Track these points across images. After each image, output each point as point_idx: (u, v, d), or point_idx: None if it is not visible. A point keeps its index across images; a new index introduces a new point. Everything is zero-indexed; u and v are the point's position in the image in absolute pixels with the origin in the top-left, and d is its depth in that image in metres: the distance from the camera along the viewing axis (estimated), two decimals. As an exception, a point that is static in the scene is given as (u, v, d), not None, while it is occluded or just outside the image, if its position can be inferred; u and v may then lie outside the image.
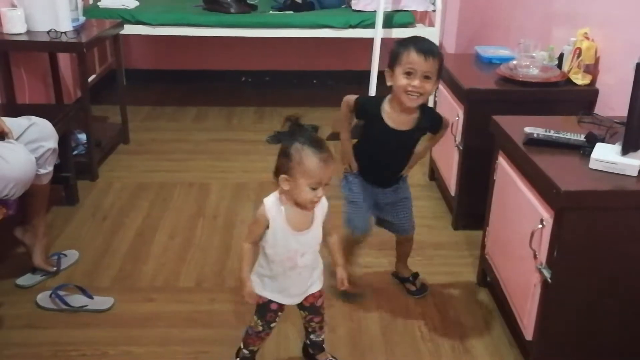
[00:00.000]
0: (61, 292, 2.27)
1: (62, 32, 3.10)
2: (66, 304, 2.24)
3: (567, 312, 1.83)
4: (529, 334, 1.94)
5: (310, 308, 1.90)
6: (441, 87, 3.05)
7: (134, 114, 4.03)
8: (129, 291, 2.37)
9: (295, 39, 4.15)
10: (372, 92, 3.85)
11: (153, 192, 3.15)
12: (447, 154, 2.91)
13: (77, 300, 2.26)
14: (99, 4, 4.05)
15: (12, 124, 2.23)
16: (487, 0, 4.05)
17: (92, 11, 3.86)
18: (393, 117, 2.06)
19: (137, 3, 4.08)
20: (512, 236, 2.07)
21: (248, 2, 4.11)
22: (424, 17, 4.45)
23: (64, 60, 3.88)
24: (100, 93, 4.29)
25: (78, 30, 3.27)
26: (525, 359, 2.04)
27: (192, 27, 3.97)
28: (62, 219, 2.86)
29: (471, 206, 2.72)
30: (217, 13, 4.00)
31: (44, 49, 3.38)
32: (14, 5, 3.14)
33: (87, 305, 2.25)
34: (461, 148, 2.70)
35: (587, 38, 2.53)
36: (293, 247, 1.74)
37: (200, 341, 2.12)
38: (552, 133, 1.96)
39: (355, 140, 2.21)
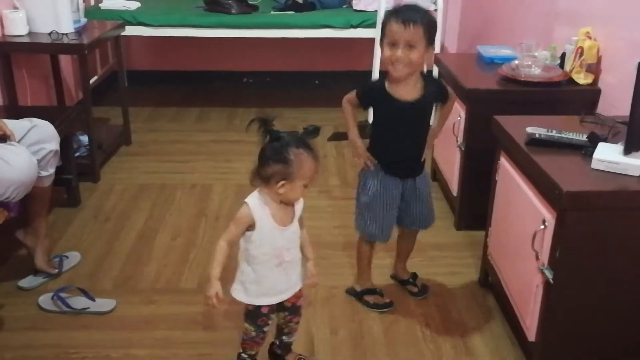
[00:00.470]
0: (63, 294, 2.27)
1: (63, 34, 3.11)
2: (68, 306, 2.24)
3: (570, 313, 1.83)
4: (531, 334, 1.93)
5: (292, 308, 1.90)
6: (443, 87, 3.04)
7: (135, 116, 4.03)
8: (130, 293, 2.37)
9: (296, 39, 4.15)
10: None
11: (155, 193, 3.15)
12: (449, 155, 2.90)
13: (79, 302, 2.26)
14: (100, 5, 4.05)
15: (14, 126, 2.23)
16: (489, 0, 4.04)
17: (93, 13, 3.86)
18: (397, 89, 2.02)
19: (139, 4, 4.08)
20: (514, 237, 2.06)
21: (249, 2, 4.11)
22: (426, 17, 4.44)
23: (66, 62, 3.88)
24: (102, 94, 4.29)
25: (79, 31, 3.27)
26: (528, 360, 2.03)
27: (193, 28, 3.97)
28: (64, 220, 2.87)
29: (473, 206, 2.71)
30: (218, 14, 4.00)
31: (45, 51, 3.39)
32: (15, 7, 3.14)
33: (89, 308, 2.25)
34: (463, 148, 2.69)
35: (589, 37, 2.52)
36: (279, 243, 1.76)
37: (202, 343, 2.12)
38: (554, 133, 1.95)
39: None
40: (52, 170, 2.37)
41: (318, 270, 1.92)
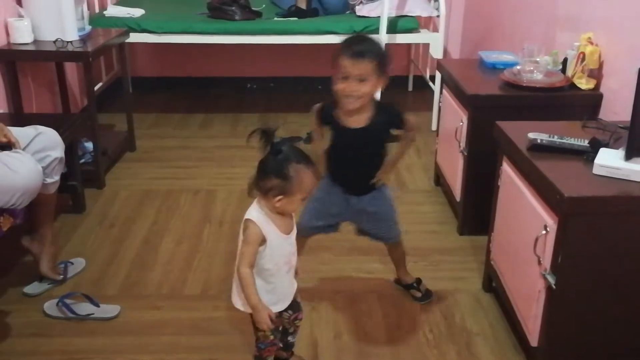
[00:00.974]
0: (68, 301, 2.28)
1: (68, 42, 3.13)
2: (73, 312, 2.25)
3: (572, 318, 1.83)
4: (534, 339, 1.93)
5: (293, 305, 1.90)
6: (445, 92, 3.06)
7: (140, 122, 4.05)
8: (135, 299, 2.38)
9: (299, 45, 4.16)
10: (377, 97, 3.85)
11: (159, 199, 3.17)
12: (451, 160, 2.91)
13: (84, 308, 2.28)
14: (104, 13, 4.08)
15: (19, 133, 2.25)
16: (491, 6, 4.05)
17: (98, 20, 3.89)
18: (344, 116, 2.05)
19: (143, 12, 4.10)
20: (516, 242, 2.07)
21: (252, 9, 4.13)
22: (428, 23, 4.46)
23: (71, 69, 3.90)
24: (107, 101, 4.32)
25: (84, 39, 3.29)
26: (531, 365, 2.04)
27: (197, 34, 3.99)
28: (69, 227, 2.88)
29: (476, 211, 2.71)
30: (222, 20, 4.02)
31: (50, 59, 3.41)
32: (20, 16, 3.17)
33: (93, 314, 2.26)
34: (465, 154, 2.70)
35: (591, 42, 2.53)
36: (288, 250, 1.78)
37: (207, 348, 2.13)
38: (555, 138, 1.96)
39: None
40: (57, 177, 2.39)
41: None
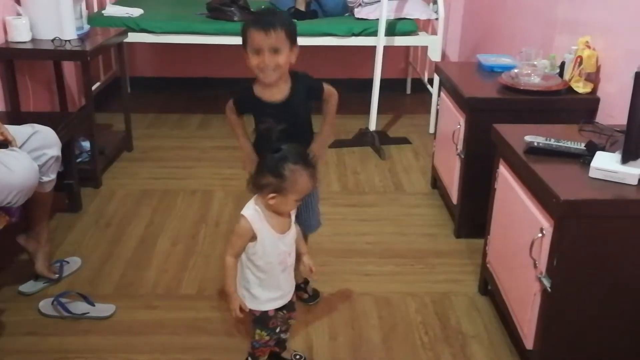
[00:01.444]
0: (63, 300, 2.28)
1: (66, 41, 3.13)
2: (68, 311, 2.25)
3: (567, 321, 1.83)
4: (529, 343, 1.93)
5: (288, 305, 1.92)
6: (443, 95, 3.06)
7: (138, 122, 4.05)
8: (130, 298, 2.38)
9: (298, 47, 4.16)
10: (375, 100, 3.86)
11: (156, 199, 3.17)
12: (448, 162, 2.91)
13: (79, 307, 2.27)
14: (103, 12, 4.08)
15: (16, 131, 2.25)
16: (490, 9, 4.06)
17: (96, 19, 3.89)
18: (264, 91, 2.02)
19: (142, 11, 4.10)
20: (512, 245, 2.07)
21: (251, 10, 4.12)
22: (427, 25, 4.47)
23: (69, 68, 3.90)
24: (105, 101, 4.31)
25: (82, 38, 3.29)
26: (526, 368, 2.04)
27: (196, 35, 3.99)
28: (66, 226, 2.88)
29: (473, 214, 2.72)
30: (221, 21, 4.02)
31: (48, 57, 3.40)
32: (19, 14, 3.16)
33: (88, 313, 2.25)
34: (462, 156, 2.70)
35: (589, 46, 2.54)
36: (282, 249, 1.79)
37: (201, 349, 2.13)
38: (552, 142, 1.97)
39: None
40: (53, 176, 2.38)
41: (313, 261, 1.94)
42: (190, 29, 3.98)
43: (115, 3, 4.36)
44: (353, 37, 4.00)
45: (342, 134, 3.99)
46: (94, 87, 3.65)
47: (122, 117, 3.75)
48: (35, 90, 3.46)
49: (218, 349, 2.12)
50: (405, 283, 2.49)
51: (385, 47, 3.87)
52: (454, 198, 2.86)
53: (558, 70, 2.72)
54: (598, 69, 2.55)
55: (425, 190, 3.34)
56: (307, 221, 2.21)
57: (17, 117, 3.03)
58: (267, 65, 1.93)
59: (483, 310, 2.36)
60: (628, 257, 1.77)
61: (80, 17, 3.37)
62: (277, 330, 1.90)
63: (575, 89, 2.58)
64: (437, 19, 4.07)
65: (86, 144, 3.27)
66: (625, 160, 1.79)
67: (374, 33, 3.89)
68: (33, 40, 3.18)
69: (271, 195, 1.70)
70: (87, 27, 3.46)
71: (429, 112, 4.14)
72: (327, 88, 2.14)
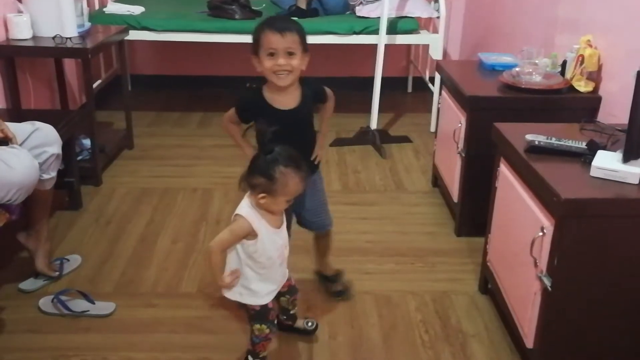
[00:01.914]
0: (63, 297, 2.28)
1: (67, 38, 3.13)
2: (68, 309, 2.25)
3: (568, 320, 1.83)
4: (529, 342, 1.93)
5: (290, 290, 2.03)
6: (444, 93, 3.05)
7: (138, 120, 4.05)
8: (130, 296, 2.38)
9: (299, 45, 4.15)
10: (376, 98, 3.85)
11: (157, 197, 3.16)
12: (449, 161, 2.91)
13: (79, 305, 2.27)
14: (104, 10, 4.08)
15: (16, 129, 2.25)
16: (491, 7, 4.05)
17: (97, 17, 3.88)
18: (277, 98, 2.02)
19: (143, 9, 4.10)
20: (513, 244, 2.07)
21: (253, 8, 4.13)
22: (428, 24, 4.46)
23: (70, 66, 3.90)
24: (106, 98, 4.31)
25: (83, 36, 3.29)
26: (526, 367, 2.03)
27: (197, 33, 3.98)
28: (66, 223, 2.88)
29: (474, 213, 2.71)
30: (222, 19, 4.02)
31: (49, 55, 3.40)
32: (20, 11, 3.16)
33: (88, 311, 2.25)
34: (463, 155, 2.70)
35: (590, 45, 2.53)
36: (280, 243, 1.83)
37: (201, 347, 2.12)
38: (553, 140, 1.96)
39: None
40: (53, 174, 2.38)
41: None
42: (191, 27, 3.98)
43: (117, 1, 4.35)
44: (354, 35, 4.00)
45: (343, 133, 3.98)
46: (94, 85, 3.65)
47: (123, 115, 3.75)
48: (36, 88, 3.46)
49: (218, 347, 2.12)
50: (406, 282, 2.49)
51: (386, 46, 3.86)
52: (455, 197, 2.86)
53: (559, 69, 2.71)
54: (600, 67, 2.54)
55: (426, 189, 3.33)
56: (317, 223, 2.25)
57: (18, 114, 3.03)
58: (282, 68, 1.93)
59: (483, 309, 2.35)
60: (629, 256, 1.76)
61: (81, 14, 3.36)
62: (275, 321, 1.94)
63: (577, 87, 2.57)
64: (438, 17, 4.07)
65: (87, 142, 3.26)
66: (626, 159, 1.78)
67: (375, 31, 3.89)
68: (34, 37, 3.18)
69: (261, 195, 1.73)
70: (88, 24, 3.46)
71: (430, 110, 4.13)
72: (328, 91, 2.16)
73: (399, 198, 3.21)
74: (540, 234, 1.80)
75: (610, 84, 2.49)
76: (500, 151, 2.20)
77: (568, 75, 2.63)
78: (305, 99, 2.05)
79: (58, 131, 2.42)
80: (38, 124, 2.35)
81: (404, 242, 2.76)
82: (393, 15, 3.99)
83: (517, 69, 2.70)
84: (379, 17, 3.88)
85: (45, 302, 2.29)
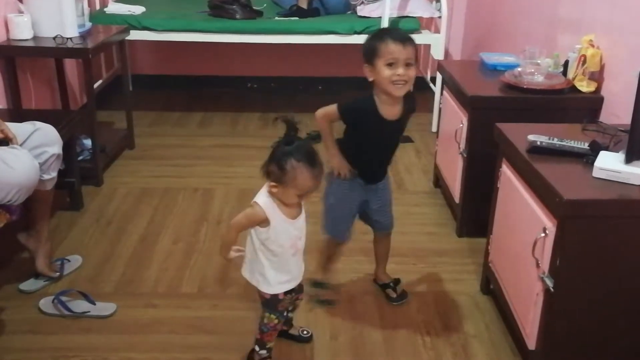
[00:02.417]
0: (64, 298, 2.27)
1: (68, 38, 3.12)
2: (68, 309, 2.24)
3: (570, 321, 1.82)
4: (531, 343, 1.92)
5: (296, 289, 1.99)
6: (445, 94, 3.05)
7: (139, 120, 4.04)
8: (131, 297, 2.37)
9: (300, 45, 4.16)
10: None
11: (157, 197, 3.16)
12: (451, 161, 2.90)
13: (80, 305, 2.27)
14: (105, 10, 4.07)
15: (16, 129, 2.24)
16: (493, 7, 4.04)
17: (98, 17, 3.88)
18: (386, 109, 2.06)
19: (144, 9, 4.10)
20: (515, 244, 2.06)
21: (253, 8, 4.12)
22: (430, 24, 4.45)
23: (70, 66, 3.89)
24: (107, 99, 4.31)
25: (84, 36, 3.28)
26: (528, 368, 2.03)
27: (197, 33, 3.98)
28: (67, 224, 2.87)
29: (475, 213, 2.70)
30: (223, 19, 4.01)
31: (50, 55, 3.40)
32: (20, 12, 3.16)
33: (89, 311, 2.25)
34: (465, 155, 2.69)
35: (592, 45, 2.52)
36: (293, 234, 1.85)
37: (202, 348, 2.12)
38: (555, 141, 1.95)
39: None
40: (54, 174, 2.38)
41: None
42: (192, 27, 3.97)
43: (117, 1, 4.35)
44: (355, 35, 3.99)
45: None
46: (95, 85, 3.64)
47: (124, 115, 3.74)
48: (36, 88, 3.45)
49: (218, 348, 2.11)
50: (407, 282, 2.48)
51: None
52: (456, 197, 2.85)
53: (561, 69, 2.70)
54: (602, 67, 2.53)
55: (427, 189, 3.33)
56: (382, 222, 2.31)
57: (19, 114, 3.02)
58: (401, 78, 1.96)
59: (485, 309, 2.35)
60: (631, 257, 1.75)
61: (82, 14, 3.35)
62: (285, 313, 1.97)
63: (579, 87, 2.56)
64: (439, 17, 4.06)
65: (87, 142, 3.26)
66: (629, 160, 1.77)
67: (377, 31, 3.87)
68: (35, 37, 3.17)
69: (273, 184, 1.76)
70: (88, 24, 3.46)
71: (431, 110, 4.13)
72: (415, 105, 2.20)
73: (400, 198, 3.19)
74: (543, 234, 1.79)
75: (612, 84, 2.49)
76: (502, 151, 2.19)
77: (570, 75, 2.63)
78: (406, 112, 2.11)
79: (59, 131, 2.42)
80: (38, 124, 2.34)
81: (405, 243, 2.76)
82: (394, 15, 3.99)
83: (519, 69, 2.69)
84: (380, 17, 3.88)
85: (45, 303, 2.28)
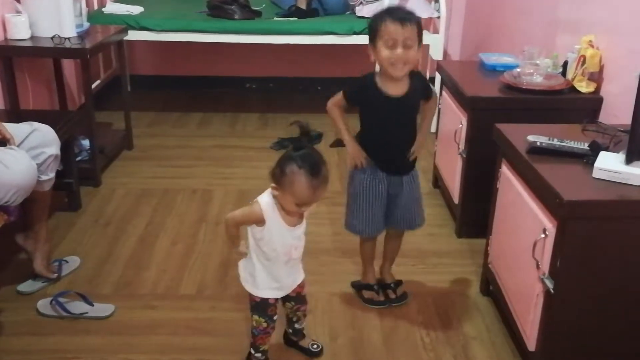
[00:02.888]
0: (62, 299, 2.26)
1: (66, 38, 3.11)
2: (67, 311, 2.23)
3: (570, 322, 1.81)
4: (531, 344, 1.92)
5: (297, 298, 1.98)
6: (444, 94, 3.04)
7: (138, 120, 4.04)
8: (130, 298, 2.36)
9: (299, 45, 4.15)
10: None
11: (156, 198, 3.15)
12: (450, 162, 2.89)
13: (78, 307, 2.26)
14: (103, 10, 4.06)
15: (14, 130, 2.23)
16: (492, 7, 4.04)
17: (96, 17, 3.87)
18: (387, 85, 2.06)
19: (142, 9, 4.09)
20: (515, 245, 2.05)
21: (252, 8, 4.11)
22: (429, 24, 4.45)
23: (68, 66, 3.88)
24: (105, 99, 4.30)
25: (82, 36, 3.27)
26: (528, 370, 2.02)
27: (196, 33, 3.97)
28: (65, 225, 2.86)
29: (475, 214, 2.70)
30: (222, 19, 4.00)
31: (48, 55, 3.39)
32: (18, 11, 3.15)
33: (87, 313, 2.24)
34: (464, 156, 2.69)
35: (592, 46, 2.52)
36: (289, 242, 1.83)
37: (201, 349, 2.11)
38: (555, 141, 1.95)
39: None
40: (52, 175, 2.37)
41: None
42: (191, 27, 3.96)
43: (116, 1, 4.34)
44: (354, 36, 3.98)
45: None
46: (93, 85, 3.64)
47: (122, 115, 3.73)
48: (34, 88, 3.44)
49: (217, 349, 2.11)
50: (406, 283, 2.47)
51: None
52: (456, 198, 2.84)
53: (561, 70, 2.69)
54: (601, 68, 2.53)
55: (427, 190, 3.32)
56: (408, 219, 2.27)
57: (16, 115, 3.01)
58: (399, 59, 1.96)
59: (485, 311, 2.34)
60: (631, 259, 1.75)
61: (80, 14, 3.35)
62: (275, 317, 1.94)
63: (578, 88, 2.56)
64: (438, 17, 4.06)
65: (86, 143, 3.25)
66: (629, 160, 1.77)
67: (376, 31, 3.87)
68: (32, 37, 3.16)
69: (273, 185, 1.76)
70: (86, 24, 3.45)
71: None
72: (433, 90, 2.20)
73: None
74: (543, 235, 1.79)
75: (611, 84, 2.48)
76: (502, 152, 2.19)
77: (569, 75, 2.62)
78: (414, 90, 2.08)
79: (57, 132, 2.41)
80: (36, 124, 2.34)
81: (404, 243, 2.72)
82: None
83: (518, 69, 2.69)
84: (379, 17, 3.86)
85: (43, 304, 2.27)
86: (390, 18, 1.95)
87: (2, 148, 2.14)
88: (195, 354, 2.09)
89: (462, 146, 2.71)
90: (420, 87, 2.12)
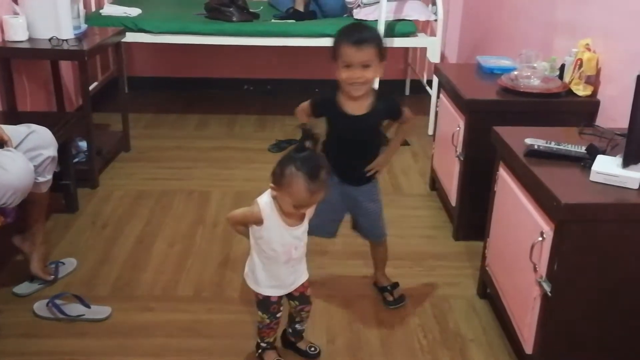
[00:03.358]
0: (58, 301, 2.26)
1: (63, 40, 3.11)
2: (63, 313, 2.23)
3: (568, 325, 1.82)
4: (528, 347, 1.92)
5: (300, 297, 1.99)
6: (442, 97, 3.04)
7: (135, 122, 4.03)
8: (127, 300, 2.36)
9: (297, 47, 4.15)
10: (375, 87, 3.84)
11: (153, 200, 3.15)
12: (448, 165, 2.90)
13: (74, 309, 2.25)
14: (101, 11, 4.06)
15: (11, 131, 2.23)
16: (489, 10, 4.05)
17: (94, 19, 3.86)
18: (348, 104, 2.08)
19: (140, 11, 4.08)
20: (512, 248, 2.05)
21: (250, 10, 4.11)
22: (426, 27, 4.46)
23: (66, 68, 3.88)
24: (102, 101, 4.29)
25: (80, 37, 3.27)
26: (525, 372, 2.02)
27: (194, 35, 3.97)
28: (62, 226, 2.86)
29: (472, 217, 2.70)
30: (219, 21, 4.00)
31: (45, 57, 3.39)
32: (16, 13, 3.14)
33: (84, 315, 2.23)
34: (462, 158, 2.69)
35: (589, 49, 2.52)
36: (288, 241, 1.83)
37: (198, 351, 2.11)
38: (552, 144, 1.95)
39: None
40: (49, 176, 2.36)
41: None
42: (189, 29, 3.96)
43: (113, 2, 4.34)
44: (352, 38, 3.98)
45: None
46: (91, 87, 3.62)
47: (120, 117, 3.73)
48: (32, 90, 3.44)
49: (215, 351, 2.10)
50: (404, 285, 2.47)
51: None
52: (453, 200, 2.85)
53: (558, 73, 2.70)
54: (598, 71, 2.53)
55: (424, 192, 3.32)
56: (372, 232, 2.32)
57: (14, 116, 3.01)
58: (356, 80, 1.99)
59: (482, 313, 2.34)
60: (629, 262, 1.75)
61: (78, 16, 3.34)
62: (278, 314, 1.95)
63: (575, 91, 2.56)
64: (436, 20, 4.06)
65: (83, 144, 3.25)
66: (626, 164, 1.77)
67: (373, 34, 3.87)
68: (30, 39, 3.16)
69: (272, 185, 1.77)
70: (84, 26, 3.44)
71: (428, 113, 4.13)
72: (405, 111, 2.20)
73: (396, 201, 3.19)
74: (540, 238, 1.79)
75: (609, 87, 2.49)
76: (500, 155, 2.19)
77: (566, 79, 2.63)
78: (375, 110, 2.10)
79: (54, 133, 2.40)
80: (34, 126, 2.33)
81: (401, 246, 2.75)
82: (390, 18, 3.98)
83: (515, 72, 2.70)
84: (376, 20, 3.87)
85: (40, 306, 2.27)
86: (346, 41, 1.96)
87: (0, 150, 2.14)
88: (192, 356, 2.09)
89: (459, 149, 2.71)
90: (384, 108, 2.12)
